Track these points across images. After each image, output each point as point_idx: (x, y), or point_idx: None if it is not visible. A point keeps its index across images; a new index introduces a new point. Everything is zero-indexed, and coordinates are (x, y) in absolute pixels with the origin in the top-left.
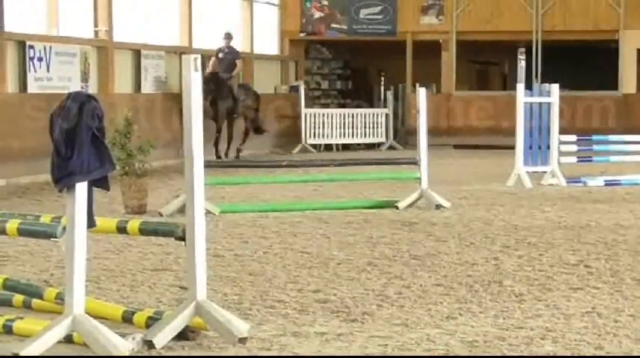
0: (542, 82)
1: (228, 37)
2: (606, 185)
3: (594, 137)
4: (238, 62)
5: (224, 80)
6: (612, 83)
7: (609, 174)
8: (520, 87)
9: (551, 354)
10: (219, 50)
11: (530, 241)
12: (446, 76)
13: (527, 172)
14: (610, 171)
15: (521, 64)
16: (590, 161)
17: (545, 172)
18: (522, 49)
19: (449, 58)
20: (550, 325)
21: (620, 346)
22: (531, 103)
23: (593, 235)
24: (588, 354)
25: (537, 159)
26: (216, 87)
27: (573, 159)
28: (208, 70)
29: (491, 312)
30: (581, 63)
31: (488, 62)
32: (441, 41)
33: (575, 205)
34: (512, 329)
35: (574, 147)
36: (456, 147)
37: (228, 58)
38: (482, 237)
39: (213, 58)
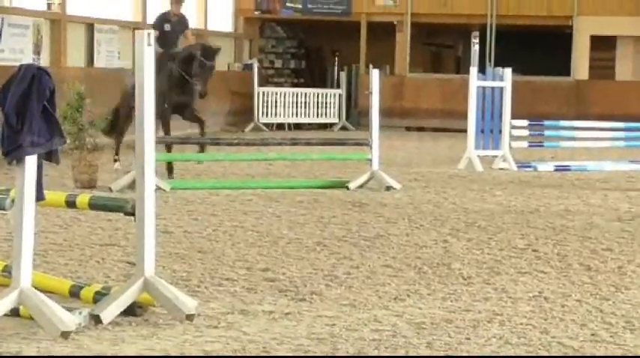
0: (495, 67)
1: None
2: (556, 170)
3: (546, 122)
4: (189, 34)
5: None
6: (565, 69)
7: (559, 159)
8: (473, 70)
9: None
10: (164, 19)
11: (480, 225)
12: (400, 58)
13: (479, 156)
14: (560, 156)
15: (475, 47)
16: (541, 146)
17: (496, 156)
18: (476, 33)
19: (403, 40)
20: (497, 308)
21: (566, 330)
22: (484, 87)
23: (542, 220)
24: (534, 339)
25: (489, 143)
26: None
27: (524, 144)
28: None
29: (439, 295)
30: (534, 48)
31: (442, 45)
32: (395, 23)
33: (524, 190)
34: (459, 311)
35: (525, 132)
36: (408, 129)
37: (178, 30)
38: (432, 219)
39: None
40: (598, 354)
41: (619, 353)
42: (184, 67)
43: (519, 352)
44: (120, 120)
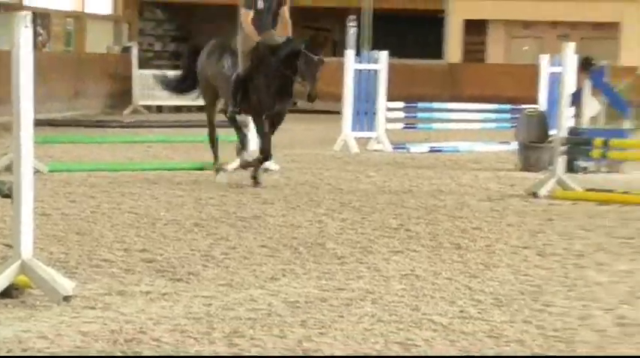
0: (371, 50)
1: None
2: (430, 151)
3: (419, 104)
4: (286, 12)
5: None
6: (439, 52)
7: (433, 140)
8: (349, 53)
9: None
10: None
11: (354, 205)
12: None
13: (355, 138)
14: (434, 138)
15: (351, 31)
16: (415, 128)
17: (371, 138)
18: (353, 17)
19: None
20: (370, 287)
21: (436, 307)
22: (360, 70)
23: (415, 200)
24: (405, 316)
25: (364, 124)
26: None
27: (399, 126)
28: (251, 34)
29: (314, 274)
30: (410, 32)
31: (320, 28)
32: None
33: (398, 171)
34: (333, 290)
35: (400, 114)
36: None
37: (274, 6)
38: (308, 200)
39: (246, 11)
40: (467, 330)
41: (486, 328)
42: (287, 65)
43: (391, 329)
44: (211, 124)
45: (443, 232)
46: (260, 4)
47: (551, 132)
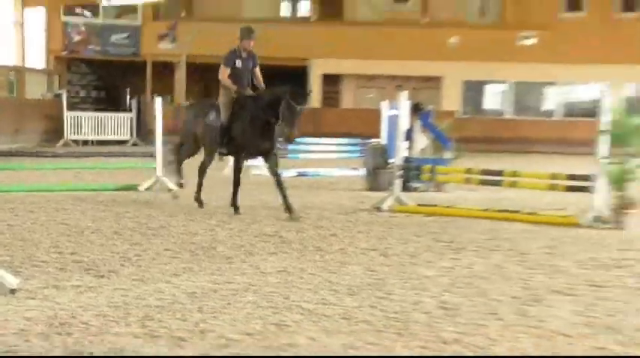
0: None
1: (251, 34)
2: (297, 175)
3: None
4: (258, 71)
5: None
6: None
7: (299, 167)
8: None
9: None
10: (236, 55)
11: (240, 217)
12: (178, 89)
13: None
14: (299, 165)
15: None
16: (286, 157)
17: (252, 165)
18: None
19: (180, 76)
20: (251, 280)
21: (303, 296)
22: None
23: (287, 214)
24: (279, 303)
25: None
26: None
27: None
28: (229, 86)
29: (208, 271)
30: (281, 82)
31: (212, 79)
32: (174, 62)
33: (274, 190)
34: (222, 283)
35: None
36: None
37: (248, 66)
38: (203, 213)
39: (225, 68)
40: (327, 313)
41: (341, 312)
42: (269, 111)
43: (268, 313)
44: (182, 156)
45: (308, 238)
46: (238, 64)
47: (390, 160)
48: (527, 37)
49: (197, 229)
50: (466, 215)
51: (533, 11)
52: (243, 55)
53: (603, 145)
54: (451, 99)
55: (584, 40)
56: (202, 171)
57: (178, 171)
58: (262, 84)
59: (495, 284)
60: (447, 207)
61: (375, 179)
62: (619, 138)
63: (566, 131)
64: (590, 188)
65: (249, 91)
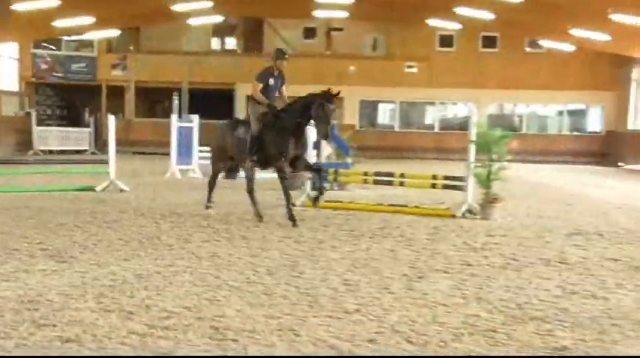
0: (188, 114)
1: (285, 55)
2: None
3: None
4: (284, 89)
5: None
6: (232, 115)
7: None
8: (174, 117)
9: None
10: (269, 73)
11: (179, 212)
12: (128, 109)
13: (179, 169)
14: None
15: (175, 101)
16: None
17: (189, 169)
18: (176, 93)
19: (130, 97)
20: (189, 264)
21: (231, 276)
22: (181, 126)
23: (218, 209)
24: (211, 282)
25: (185, 160)
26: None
27: (207, 162)
28: (262, 100)
29: (153, 256)
30: (212, 102)
31: (156, 100)
32: (125, 86)
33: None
34: (165, 266)
35: (208, 154)
36: (134, 153)
37: (279, 84)
38: (148, 209)
39: (258, 84)
40: (250, 289)
41: (262, 288)
42: (302, 114)
43: (202, 290)
44: (215, 177)
45: (235, 229)
46: (271, 81)
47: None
48: (410, 67)
49: (144, 222)
50: (364, 209)
51: (414, 47)
52: (275, 73)
53: (472, 152)
54: (351, 115)
55: (455, 69)
56: (230, 173)
57: (210, 195)
58: (287, 100)
59: (388, 265)
60: (349, 202)
61: (291, 179)
62: (484, 147)
63: (443, 141)
64: (463, 186)
65: (279, 105)
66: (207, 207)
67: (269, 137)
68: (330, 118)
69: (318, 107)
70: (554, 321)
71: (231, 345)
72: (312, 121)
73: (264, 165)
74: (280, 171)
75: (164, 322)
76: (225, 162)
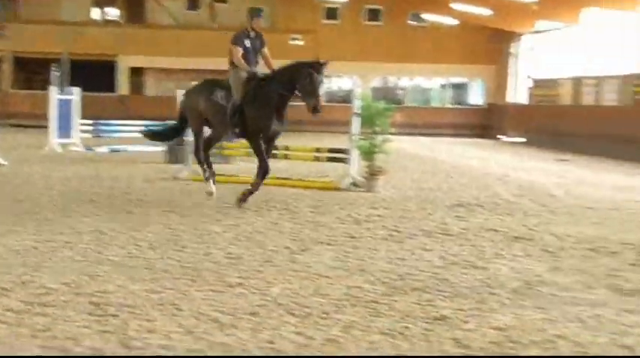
0: (69, 86)
1: (259, 12)
2: (110, 152)
3: (101, 121)
4: (266, 52)
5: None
6: (113, 87)
7: (111, 144)
8: (53, 89)
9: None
10: (245, 35)
11: (59, 187)
12: (5, 80)
13: (60, 143)
14: (112, 143)
15: (55, 73)
16: (100, 136)
17: (70, 143)
18: (55, 64)
19: (7, 68)
20: (69, 239)
21: (112, 251)
22: (61, 99)
23: (99, 182)
24: (92, 257)
25: (65, 134)
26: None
27: (89, 135)
28: (243, 66)
29: (31, 231)
30: (95, 74)
31: (34, 71)
32: (2, 56)
33: (90, 164)
34: (43, 242)
35: (90, 128)
36: (11, 126)
37: (257, 47)
38: (27, 183)
39: (237, 48)
40: (132, 264)
41: (144, 263)
42: (286, 85)
43: (82, 266)
44: (201, 145)
45: (119, 203)
46: (247, 44)
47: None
48: (295, 39)
49: (22, 197)
50: (248, 182)
51: (299, 19)
52: (252, 35)
53: (355, 125)
54: None
55: (340, 42)
56: (208, 147)
57: (205, 165)
58: (273, 65)
59: (271, 238)
60: (232, 176)
61: (174, 154)
62: (367, 119)
63: (328, 114)
64: (347, 159)
65: (260, 71)
66: (207, 180)
67: (251, 112)
68: (319, 90)
69: (305, 78)
70: (435, 291)
71: (112, 321)
72: (297, 93)
73: (242, 137)
74: (257, 150)
75: (42, 298)
76: (202, 129)
